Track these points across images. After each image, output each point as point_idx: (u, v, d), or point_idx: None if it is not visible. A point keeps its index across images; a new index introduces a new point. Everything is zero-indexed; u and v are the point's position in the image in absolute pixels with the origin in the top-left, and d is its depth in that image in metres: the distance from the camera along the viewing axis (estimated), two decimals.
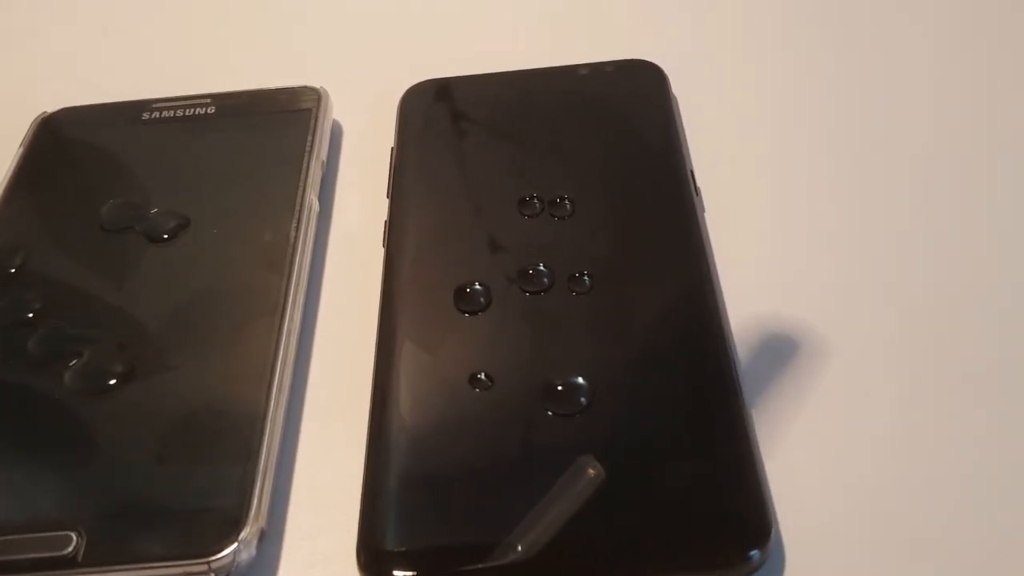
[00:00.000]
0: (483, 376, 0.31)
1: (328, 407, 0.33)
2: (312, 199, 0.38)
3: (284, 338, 0.33)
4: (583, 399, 0.30)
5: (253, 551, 0.28)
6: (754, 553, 0.27)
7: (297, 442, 0.32)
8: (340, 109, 0.43)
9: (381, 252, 0.37)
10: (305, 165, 0.39)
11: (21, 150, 0.42)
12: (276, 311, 0.34)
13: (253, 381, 0.32)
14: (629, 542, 0.27)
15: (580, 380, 0.31)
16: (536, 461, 0.29)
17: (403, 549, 0.28)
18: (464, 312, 0.33)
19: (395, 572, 0.27)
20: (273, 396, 0.31)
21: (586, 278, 0.34)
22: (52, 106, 0.43)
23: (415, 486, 0.29)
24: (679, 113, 0.40)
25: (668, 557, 0.27)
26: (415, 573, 0.27)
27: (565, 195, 0.36)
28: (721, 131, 0.40)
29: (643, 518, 0.28)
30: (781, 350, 0.33)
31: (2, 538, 0.28)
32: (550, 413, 0.30)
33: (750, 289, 0.34)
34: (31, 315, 0.35)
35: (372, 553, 0.28)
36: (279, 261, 0.35)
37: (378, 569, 0.27)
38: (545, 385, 0.31)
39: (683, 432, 0.29)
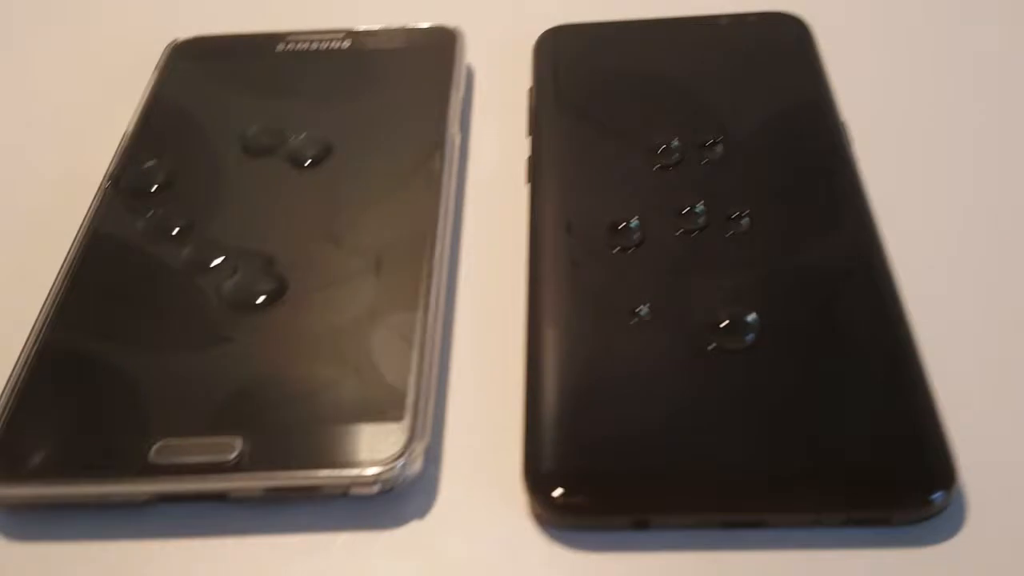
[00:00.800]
0: (643, 308, 0.31)
1: (477, 332, 0.33)
2: (454, 131, 0.38)
3: (437, 260, 0.33)
4: (750, 335, 0.30)
5: (419, 467, 0.28)
6: (938, 495, 0.26)
7: (449, 366, 0.31)
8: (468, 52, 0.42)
9: (523, 189, 0.36)
10: (447, 97, 0.39)
11: (155, 74, 0.41)
12: (427, 233, 0.33)
13: (408, 300, 0.31)
14: (808, 481, 0.27)
15: (749, 316, 0.30)
16: (699, 395, 0.29)
17: (569, 471, 0.27)
18: (618, 248, 0.33)
19: (556, 492, 0.27)
20: (430, 316, 0.31)
21: (744, 219, 0.33)
22: (177, 35, 0.43)
23: (578, 411, 0.29)
24: (825, 66, 0.39)
25: (848, 496, 0.27)
26: (583, 497, 0.27)
27: (714, 138, 0.36)
28: (864, 86, 0.39)
29: (821, 457, 0.27)
30: (947, 292, 0.32)
31: (169, 441, 0.28)
32: (713, 347, 0.30)
33: (912, 234, 0.33)
34: (175, 232, 0.35)
35: (538, 474, 0.27)
36: (428, 186, 0.35)
37: (545, 489, 0.27)
38: (710, 319, 0.30)
39: (859, 373, 0.29)
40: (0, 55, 0.46)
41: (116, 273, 0.34)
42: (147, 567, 0.27)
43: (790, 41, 0.40)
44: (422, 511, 0.28)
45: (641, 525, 0.27)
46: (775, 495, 0.27)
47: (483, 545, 0.27)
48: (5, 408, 0.29)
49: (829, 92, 0.38)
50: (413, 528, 0.28)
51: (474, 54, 0.43)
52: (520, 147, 0.38)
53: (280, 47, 0.43)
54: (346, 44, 0.43)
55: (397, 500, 0.28)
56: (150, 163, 0.37)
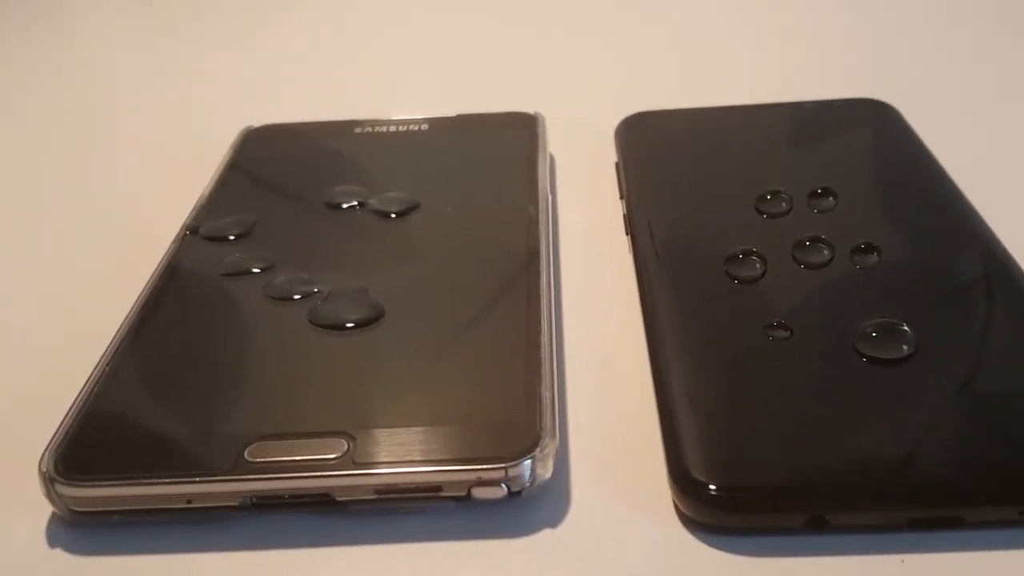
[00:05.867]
0: (779, 326, 0.28)
1: (587, 350, 0.30)
2: (546, 187, 0.36)
3: (544, 285, 0.30)
4: (906, 347, 0.27)
5: (549, 470, 0.25)
6: None
7: (564, 379, 0.29)
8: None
9: (620, 240, 0.35)
10: (534, 163, 0.38)
11: (230, 152, 0.40)
12: (532, 262, 0.32)
13: (523, 314, 0.29)
14: (975, 487, 0.24)
15: (903, 327, 0.28)
16: (860, 399, 0.26)
17: (731, 464, 0.24)
18: (738, 281, 0.31)
19: (715, 487, 0.24)
20: (544, 334, 0.28)
21: (872, 252, 0.31)
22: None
23: (729, 409, 0.26)
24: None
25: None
26: (749, 493, 0.24)
27: (824, 188, 0.35)
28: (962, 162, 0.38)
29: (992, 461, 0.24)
30: None
31: (266, 440, 0.25)
32: (864, 359, 0.27)
33: None
34: (258, 270, 0.32)
35: (692, 471, 0.24)
36: (528, 229, 0.33)
37: (701, 486, 0.24)
38: (857, 332, 0.28)
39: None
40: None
41: (199, 296, 0.31)
42: None
43: (879, 117, 0.40)
44: (554, 520, 0.25)
45: (817, 525, 0.23)
46: (977, 487, 0.23)
47: (630, 554, 0.24)
48: (85, 402, 0.26)
49: (928, 151, 0.37)
50: (546, 537, 0.24)
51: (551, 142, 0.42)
52: (608, 212, 0.37)
53: (358, 130, 0.42)
54: (425, 127, 0.42)
55: (525, 507, 0.25)
56: (228, 218, 0.35)
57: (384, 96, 0.48)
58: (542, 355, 0.27)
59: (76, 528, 0.25)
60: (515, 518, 0.24)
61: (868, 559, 0.23)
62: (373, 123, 0.42)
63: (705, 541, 0.24)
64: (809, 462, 0.24)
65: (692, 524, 0.24)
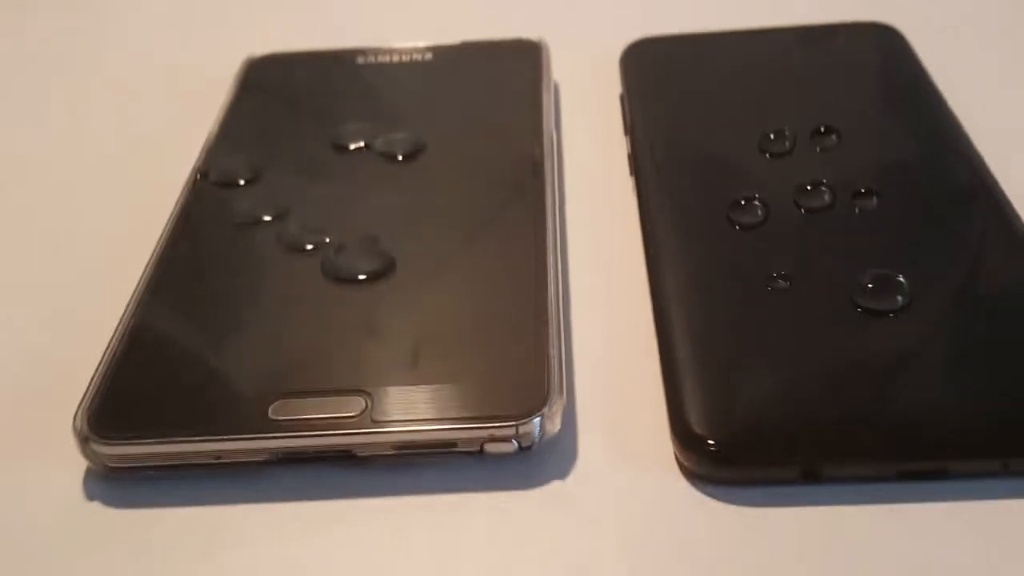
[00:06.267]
0: (780, 276, 0.29)
1: (594, 302, 0.31)
2: (551, 126, 0.37)
3: (550, 236, 0.31)
4: (900, 297, 0.28)
5: (558, 424, 0.26)
6: None
7: (571, 333, 0.30)
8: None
9: (625, 182, 0.35)
10: (539, 99, 0.38)
11: (234, 85, 0.41)
12: (537, 211, 0.32)
13: (529, 268, 0.30)
14: (996, 426, 0.25)
15: (898, 277, 0.29)
16: (857, 352, 0.27)
17: (728, 420, 0.26)
18: (739, 227, 0.32)
19: (713, 442, 0.25)
20: (551, 283, 0.29)
21: (871, 196, 0.32)
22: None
23: (728, 364, 0.27)
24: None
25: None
26: (746, 447, 0.25)
27: (826, 126, 0.35)
28: (964, 87, 0.38)
29: (1010, 401, 0.25)
30: None
31: (288, 398, 0.26)
32: (859, 310, 0.28)
33: None
34: (269, 219, 0.33)
35: (692, 426, 0.25)
36: (533, 173, 0.34)
37: (701, 441, 0.25)
38: (854, 283, 0.29)
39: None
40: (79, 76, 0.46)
41: (214, 248, 0.32)
42: (266, 531, 0.25)
43: (884, 44, 0.40)
44: (562, 472, 0.26)
45: (811, 476, 0.25)
46: (962, 440, 0.25)
47: (634, 504, 0.25)
48: (112, 360, 0.27)
49: (932, 83, 0.37)
50: (555, 488, 0.26)
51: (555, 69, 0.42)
52: (613, 149, 0.37)
53: (361, 59, 0.42)
54: (429, 56, 0.42)
55: (535, 460, 0.26)
56: (237, 160, 0.36)
57: (382, 18, 0.47)
58: (549, 311, 0.28)
59: (112, 481, 0.26)
60: (525, 470, 0.26)
61: (861, 508, 0.24)
62: (376, 51, 0.42)
63: (705, 492, 0.25)
64: (804, 416, 0.25)
65: (693, 476, 0.25)
